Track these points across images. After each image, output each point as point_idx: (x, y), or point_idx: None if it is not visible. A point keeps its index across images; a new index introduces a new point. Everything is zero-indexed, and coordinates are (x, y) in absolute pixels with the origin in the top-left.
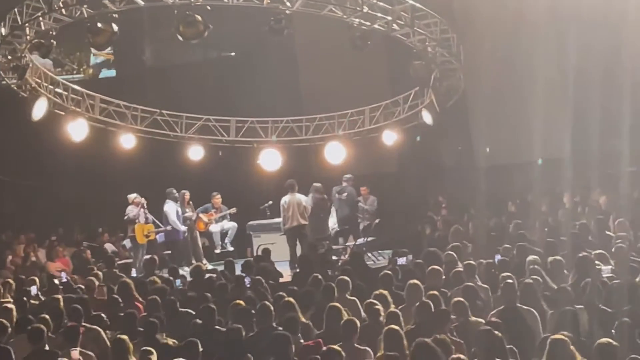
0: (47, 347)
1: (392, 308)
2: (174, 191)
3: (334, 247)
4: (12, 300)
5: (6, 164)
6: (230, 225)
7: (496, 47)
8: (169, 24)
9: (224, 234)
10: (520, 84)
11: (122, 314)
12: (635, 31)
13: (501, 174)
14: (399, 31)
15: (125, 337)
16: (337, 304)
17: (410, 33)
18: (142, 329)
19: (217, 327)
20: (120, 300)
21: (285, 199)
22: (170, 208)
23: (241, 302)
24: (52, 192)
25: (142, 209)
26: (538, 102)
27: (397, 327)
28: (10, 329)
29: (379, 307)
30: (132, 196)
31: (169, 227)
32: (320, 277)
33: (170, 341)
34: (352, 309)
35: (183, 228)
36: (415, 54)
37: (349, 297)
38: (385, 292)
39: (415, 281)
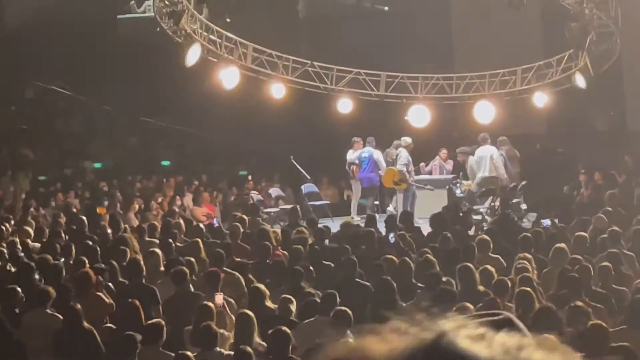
0: (191, 289)
1: (532, 273)
2: (374, 140)
3: (475, 207)
4: (158, 242)
5: (160, 109)
6: None
7: None
8: None
9: None
10: None
11: (268, 262)
12: None
13: None
14: None
15: (261, 285)
16: (469, 264)
17: None
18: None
19: (357, 280)
20: (270, 247)
21: (477, 152)
22: (381, 155)
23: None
24: (202, 138)
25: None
26: None
27: (529, 289)
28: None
29: (527, 265)
30: (408, 140)
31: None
32: (449, 235)
33: (313, 290)
34: (497, 267)
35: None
36: (571, 15)
37: (492, 255)
38: (530, 256)
39: (562, 245)
